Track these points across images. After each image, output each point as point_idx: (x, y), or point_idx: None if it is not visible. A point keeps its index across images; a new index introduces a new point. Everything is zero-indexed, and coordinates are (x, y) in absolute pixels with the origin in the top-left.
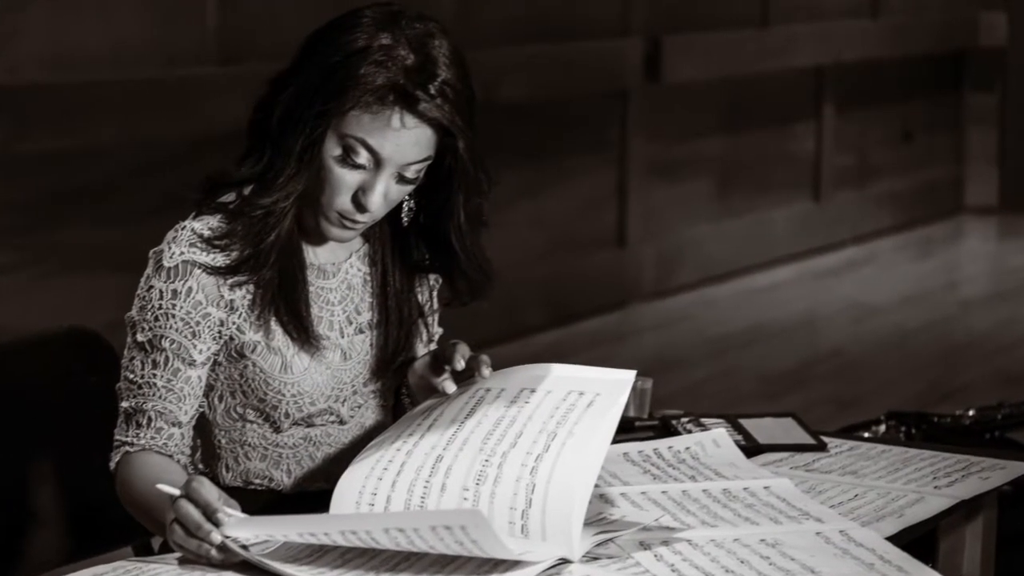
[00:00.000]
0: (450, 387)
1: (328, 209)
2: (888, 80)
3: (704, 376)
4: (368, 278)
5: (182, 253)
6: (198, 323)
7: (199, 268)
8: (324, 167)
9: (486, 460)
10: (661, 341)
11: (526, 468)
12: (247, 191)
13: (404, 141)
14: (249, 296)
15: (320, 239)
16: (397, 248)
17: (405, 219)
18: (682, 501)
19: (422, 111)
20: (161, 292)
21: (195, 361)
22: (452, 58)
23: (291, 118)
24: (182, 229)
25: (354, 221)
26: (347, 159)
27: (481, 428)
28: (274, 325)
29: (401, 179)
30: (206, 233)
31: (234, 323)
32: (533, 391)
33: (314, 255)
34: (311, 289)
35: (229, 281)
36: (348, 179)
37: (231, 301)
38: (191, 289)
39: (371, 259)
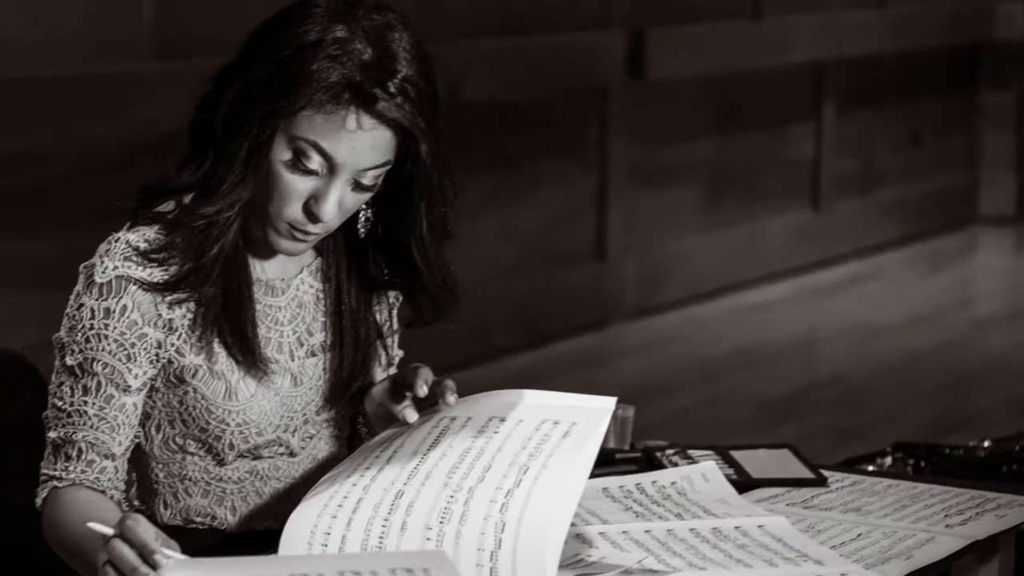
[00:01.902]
0: (411, 415)
1: (277, 219)
2: (895, 77)
3: (692, 403)
4: (321, 295)
5: (116, 268)
6: (133, 345)
7: (134, 284)
8: (272, 173)
9: (451, 496)
10: (644, 365)
11: (495, 505)
12: (188, 199)
13: (360, 144)
14: (190, 315)
15: (268, 252)
16: (353, 262)
17: (362, 230)
18: (667, 541)
19: (380, 111)
20: (93, 311)
21: (130, 387)
22: (414, 52)
23: (236, 119)
24: (116, 241)
25: (305, 232)
26: (298, 164)
27: (446, 461)
28: (217, 347)
29: (357, 186)
30: (142, 246)
31: (173, 345)
32: (503, 420)
33: (261, 270)
34: (258, 307)
35: (167, 299)
36: (299, 186)
37: (170, 321)
38: (126, 307)
39: (324, 274)
